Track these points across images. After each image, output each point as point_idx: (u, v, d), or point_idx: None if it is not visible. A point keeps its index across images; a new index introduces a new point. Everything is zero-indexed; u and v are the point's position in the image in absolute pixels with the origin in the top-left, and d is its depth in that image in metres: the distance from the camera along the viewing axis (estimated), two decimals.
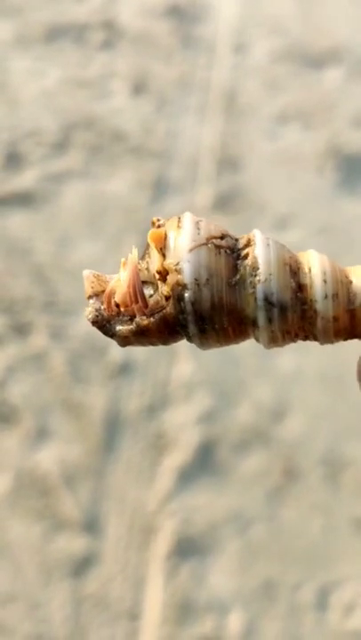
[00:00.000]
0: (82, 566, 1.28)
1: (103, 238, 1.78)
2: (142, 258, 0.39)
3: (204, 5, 2.41)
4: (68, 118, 2.05)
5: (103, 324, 0.39)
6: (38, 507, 1.34)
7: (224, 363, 1.55)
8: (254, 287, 0.37)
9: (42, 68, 2.20)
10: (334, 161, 1.94)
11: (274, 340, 0.37)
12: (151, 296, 0.38)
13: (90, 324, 0.40)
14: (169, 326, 0.38)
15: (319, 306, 0.37)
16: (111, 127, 2.02)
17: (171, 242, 0.37)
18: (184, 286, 0.36)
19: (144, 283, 0.38)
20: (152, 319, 0.37)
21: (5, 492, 1.35)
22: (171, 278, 0.37)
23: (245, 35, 2.31)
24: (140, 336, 0.38)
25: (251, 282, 0.37)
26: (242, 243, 0.38)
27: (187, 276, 0.36)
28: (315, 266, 0.37)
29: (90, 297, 0.40)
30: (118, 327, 0.39)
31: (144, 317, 0.38)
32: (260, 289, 0.36)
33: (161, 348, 1.52)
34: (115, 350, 1.56)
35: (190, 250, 0.37)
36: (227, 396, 1.49)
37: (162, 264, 0.37)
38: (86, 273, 0.41)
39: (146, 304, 0.38)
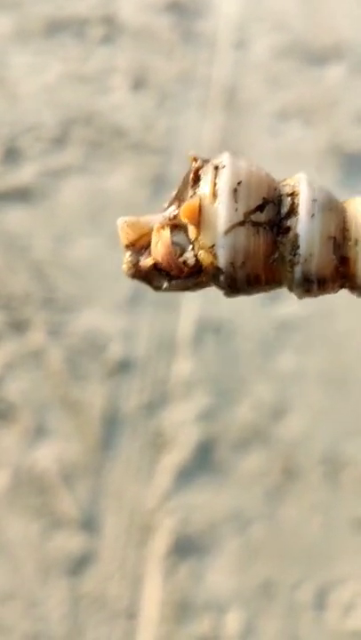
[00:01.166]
0: (79, 564, 1.27)
1: (103, 234, 1.77)
2: (178, 201, 0.37)
3: (205, 1, 2.39)
4: (67, 113, 2.04)
5: (140, 278, 0.38)
6: (36, 504, 1.33)
7: (224, 361, 1.54)
8: (293, 267, 0.35)
9: (41, 63, 2.19)
10: (335, 158, 1.94)
11: (308, 297, 0.37)
12: (184, 250, 0.36)
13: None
14: (204, 285, 0.37)
15: (360, 280, 0.35)
16: (111, 123, 2.01)
17: (205, 218, 0.35)
18: (219, 269, 0.35)
19: (177, 227, 0.36)
20: (188, 283, 0.36)
21: (3, 489, 1.35)
22: (205, 258, 0.35)
23: (247, 31, 2.30)
24: (174, 290, 0.38)
25: (290, 260, 0.35)
26: (285, 207, 0.35)
27: (221, 261, 0.35)
28: None
29: (127, 246, 0.38)
30: (155, 283, 0.37)
31: (180, 281, 0.36)
32: (298, 270, 0.35)
33: (161, 345, 1.50)
34: (114, 347, 1.55)
35: (226, 232, 0.34)
36: (227, 395, 1.49)
37: (197, 240, 0.35)
38: (120, 222, 0.38)
39: (182, 271, 0.36)
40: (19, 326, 1.59)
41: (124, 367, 1.52)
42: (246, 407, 1.47)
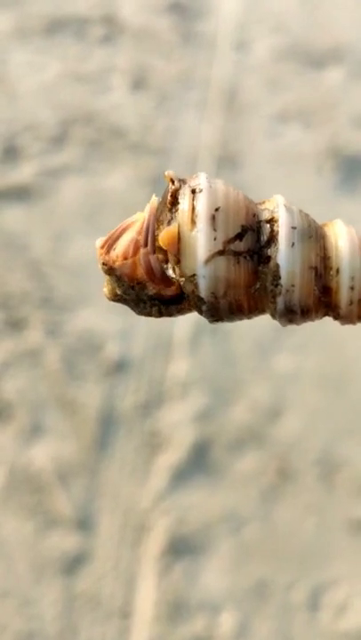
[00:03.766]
0: (74, 563, 1.28)
1: (101, 234, 1.76)
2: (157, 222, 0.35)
3: (206, 2, 2.40)
4: (66, 113, 2.04)
5: (122, 301, 0.37)
6: (31, 503, 1.33)
7: (221, 361, 1.55)
8: (275, 297, 0.35)
9: (41, 62, 2.19)
10: (334, 160, 1.94)
11: (291, 325, 0.36)
12: (166, 269, 0.35)
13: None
14: (186, 312, 0.37)
15: (343, 312, 0.35)
16: (110, 122, 2.02)
17: (184, 247, 0.34)
18: (201, 299, 0.35)
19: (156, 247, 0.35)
20: (171, 310, 0.36)
21: None
22: (187, 287, 0.35)
23: (247, 32, 2.30)
24: (157, 316, 0.37)
25: (272, 291, 0.34)
26: (265, 235, 0.34)
27: (203, 291, 0.34)
28: (343, 267, 0.34)
29: (107, 272, 0.37)
30: (137, 309, 0.37)
31: (163, 307, 0.36)
32: (280, 300, 0.35)
33: (157, 346, 1.50)
34: (110, 347, 1.56)
35: (206, 262, 0.34)
36: (222, 395, 1.49)
37: (178, 268, 0.35)
38: (99, 242, 0.37)
39: (159, 274, 0.35)
40: (16, 325, 1.59)
41: (120, 367, 1.53)
42: (242, 408, 1.47)
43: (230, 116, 2.06)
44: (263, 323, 1.72)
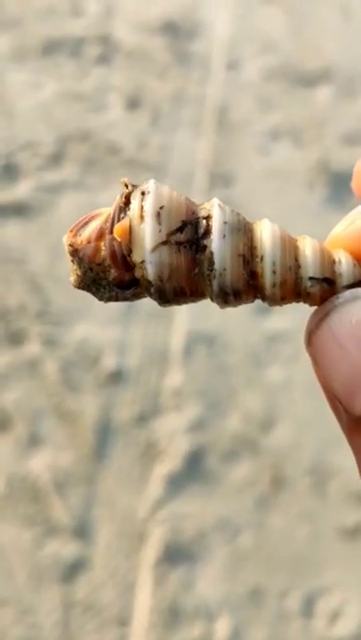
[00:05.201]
0: (72, 572, 1.29)
1: None
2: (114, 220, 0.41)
3: (199, 22, 2.45)
4: (63, 131, 2.07)
5: (85, 288, 0.42)
6: (29, 512, 1.35)
7: (214, 373, 1.57)
8: (210, 280, 0.41)
9: (38, 81, 2.23)
10: (324, 177, 1.98)
11: (228, 307, 0.42)
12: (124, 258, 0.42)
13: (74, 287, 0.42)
14: (140, 296, 0.42)
15: (268, 292, 0.41)
16: (106, 140, 2.05)
17: (134, 237, 0.40)
18: (150, 282, 0.41)
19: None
20: (126, 294, 0.41)
21: None
22: (138, 272, 0.41)
23: (239, 52, 2.35)
24: (115, 300, 0.42)
25: (208, 275, 0.40)
26: (202, 228, 0.41)
27: (150, 275, 0.40)
28: (266, 254, 0.41)
29: (72, 253, 0.42)
30: (99, 294, 0.42)
31: (120, 292, 0.41)
32: (215, 283, 0.41)
33: (153, 357, 1.53)
34: (107, 359, 1.58)
35: (152, 250, 0.40)
36: (217, 406, 1.51)
37: (130, 257, 0.41)
38: (65, 239, 0.43)
39: (120, 257, 0.40)
40: (14, 337, 1.61)
41: (116, 378, 1.55)
42: (236, 418, 1.50)
43: (223, 134, 2.10)
44: (256, 334, 1.75)
